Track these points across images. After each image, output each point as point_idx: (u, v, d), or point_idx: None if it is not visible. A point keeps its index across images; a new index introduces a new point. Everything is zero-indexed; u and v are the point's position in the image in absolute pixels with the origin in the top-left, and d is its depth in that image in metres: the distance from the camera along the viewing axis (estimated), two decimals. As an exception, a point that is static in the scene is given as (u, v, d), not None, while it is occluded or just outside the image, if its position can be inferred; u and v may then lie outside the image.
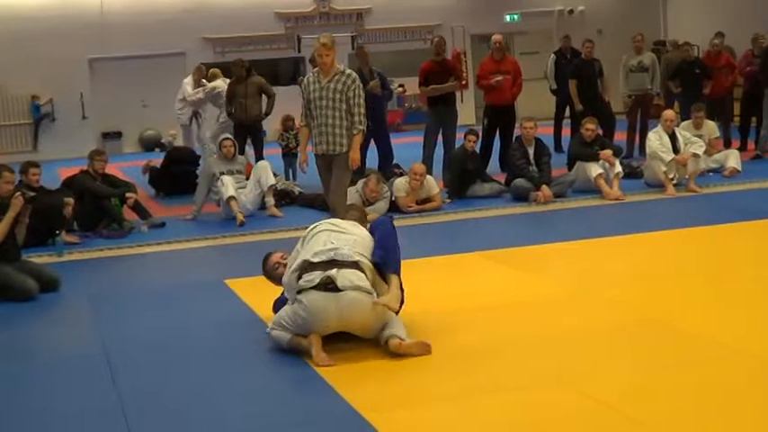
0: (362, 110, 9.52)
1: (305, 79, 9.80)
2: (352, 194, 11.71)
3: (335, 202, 9.56)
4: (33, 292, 8.58)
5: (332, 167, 9.64)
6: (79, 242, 11.12)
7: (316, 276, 6.22)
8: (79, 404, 5.81)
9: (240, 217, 11.68)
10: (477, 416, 5.20)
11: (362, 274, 6.28)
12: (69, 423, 5.51)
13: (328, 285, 6.16)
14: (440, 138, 14.15)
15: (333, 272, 6.20)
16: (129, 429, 5.26)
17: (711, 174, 13.78)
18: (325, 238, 6.53)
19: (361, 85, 9.67)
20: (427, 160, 13.69)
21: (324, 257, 6.34)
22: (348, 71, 9.56)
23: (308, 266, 6.34)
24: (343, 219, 7.15)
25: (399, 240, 6.62)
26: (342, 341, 6.38)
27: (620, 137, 15.73)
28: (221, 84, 15.84)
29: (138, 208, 12.08)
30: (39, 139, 23.30)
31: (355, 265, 6.31)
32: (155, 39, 23.17)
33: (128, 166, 18.39)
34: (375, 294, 6.26)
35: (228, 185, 11.90)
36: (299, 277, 6.33)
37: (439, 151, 14.08)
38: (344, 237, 6.55)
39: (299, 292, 6.26)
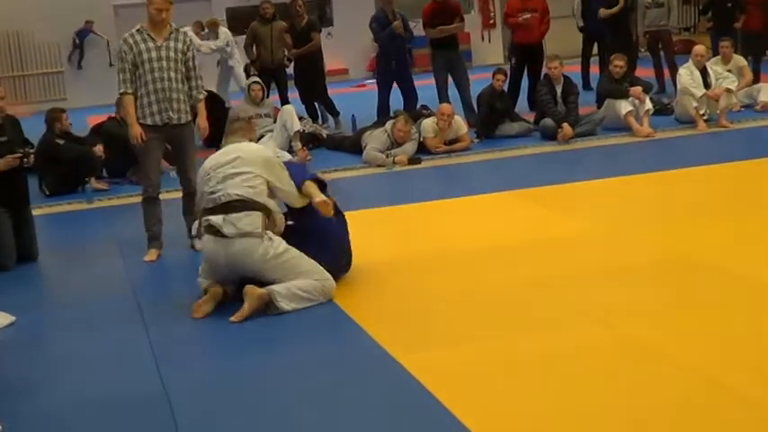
0: (199, 72, 8.16)
1: (127, 38, 7.90)
2: (380, 135, 11.65)
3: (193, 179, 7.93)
4: (8, 267, 7.95)
5: (173, 141, 8.25)
6: (108, 189, 11.15)
7: (206, 221, 6.36)
8: (112, 349, 5.85)
9: None
10: (507, 354, 5.21)
11: (245, 214, 6.26)
12: (104, 367, 5.55)
13: (217, 232, 6.28)
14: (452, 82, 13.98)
15: (219, 219, 6.28)
16: (160, 375, 5.30)
17: (743, 109, 13.62)
18: (213, 178, 6.56)
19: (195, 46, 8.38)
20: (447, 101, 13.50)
21: (211, 204, 6.43)
22: (183, 29, 8.17)
23: (202, 212, 6.50)
24: (227, 140, 7.11)
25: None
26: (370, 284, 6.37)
27: (646, 73, 15.53)
28: (228, 32, 16.73)
29: (166, 154, 12.05)
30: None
31: (242, 204, 6.30)
32: (179, -17, 23.04)
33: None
34: (266, 234, 6.26)
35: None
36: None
37: (453, 93, 13.89)
38: (229, 170, 6.52)
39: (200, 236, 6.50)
